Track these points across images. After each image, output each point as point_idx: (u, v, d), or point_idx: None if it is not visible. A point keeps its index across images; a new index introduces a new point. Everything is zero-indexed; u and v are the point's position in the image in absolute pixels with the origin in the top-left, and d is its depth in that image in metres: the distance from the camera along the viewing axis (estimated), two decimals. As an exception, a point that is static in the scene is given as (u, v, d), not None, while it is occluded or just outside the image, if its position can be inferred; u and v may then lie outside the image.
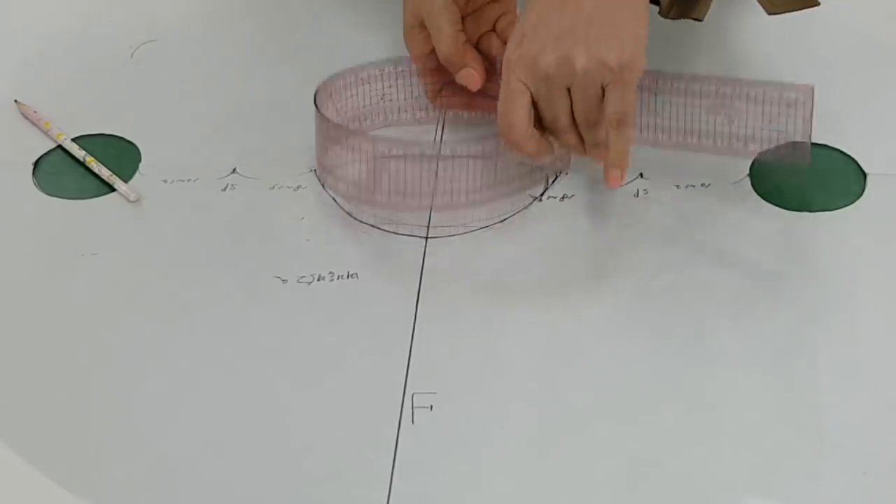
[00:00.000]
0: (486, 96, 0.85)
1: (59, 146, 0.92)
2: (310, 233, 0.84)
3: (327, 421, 0.72)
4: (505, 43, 0.79)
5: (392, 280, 0.80)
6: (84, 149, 0.91)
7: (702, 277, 0.79)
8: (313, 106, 0.87)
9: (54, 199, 0.88)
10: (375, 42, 0.98)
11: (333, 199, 0.86)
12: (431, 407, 0.73)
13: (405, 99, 0.90)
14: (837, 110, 0.90)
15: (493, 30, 0.85)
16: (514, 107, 0.76)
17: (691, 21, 0.85)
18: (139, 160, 0.91)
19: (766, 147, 0.79)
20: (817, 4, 0.89)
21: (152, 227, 0.85)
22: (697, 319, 0.76)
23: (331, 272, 0.81)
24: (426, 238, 0.83)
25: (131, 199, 0.86)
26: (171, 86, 0.97)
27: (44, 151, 0.92)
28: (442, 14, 0.82)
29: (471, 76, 0.83)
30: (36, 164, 0.91)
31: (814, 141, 0.87)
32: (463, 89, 0.85)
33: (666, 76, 0.80)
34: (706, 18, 0.84)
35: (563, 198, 0.85)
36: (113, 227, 0.86)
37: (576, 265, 0.80)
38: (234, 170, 0.89)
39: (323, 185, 0.87)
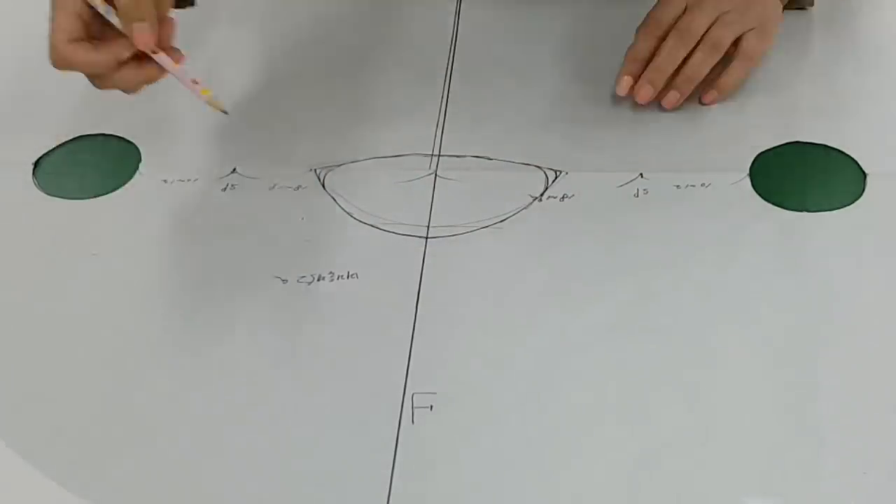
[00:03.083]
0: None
1: (59, 146, 0.92)
2: (310, 233, 0.84)
3: (327, 421, 0.72)
4: None
5: (392, 280, 0.80)
6: (84, 149, 0.91)
7: (702, 277, 0.79)
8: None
9: (54, 199, 0.88)
10: (375, 41, 0.99)
11: (333, 199, 0.86)
12: (431, 407, 0.73)
13: None
14: (837, 110, 0.90)
15: None
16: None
17: None
18: (139, 160, 0.91)
19: None
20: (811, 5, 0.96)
21: (152, 227, 0.85)
22: (697, 319, 0.76)
23: (331, 272, 0.81)
24: (426, 238, 0.83)
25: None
26: (171, 86, 0.96)
27: (44, 151, 0.92)
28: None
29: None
30: (36, 164, 0.91)
31: (814, 141, 0.88)
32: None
33: None
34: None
35: (563, 198, 0.85)
36: (113, 227, 0.86)
37: (576, 265, 0.80)
38: (234, 170, 0.89)
39: (323, 185, 0.87)
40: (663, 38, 0.90)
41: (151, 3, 0.76)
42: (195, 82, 0.78)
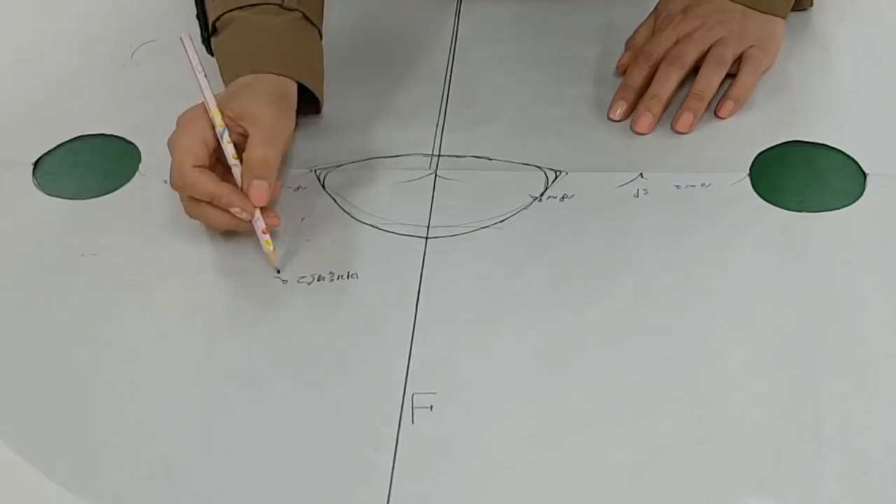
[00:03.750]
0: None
1: (59, 146, 0.92)
2: (310, 233, 0.84)
3: (327, 421, 0.72)
4: None
5: (392, 280, 0.80)
6: (84, 149, 0.91)
7: (702, 277, 0.79)
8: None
9: (54, 199, 0.88)
10: (375, 40, 0.99)
11: (333, 199, 0.86)
12: (431, 407, 0.73)
13: None
14: (837, 110, 0.90)
15: None
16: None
17: None
18: (139, 160, 0.91)
19: None
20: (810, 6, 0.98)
21: (152, 227, 0.85)
22: (697, 319, 0.76)
23: (331, 272, 0.81)
24: (426, 238, 0.83)
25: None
26: (171, 86, 0.97)
27: (44, 151, 0.92)
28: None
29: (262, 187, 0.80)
30: (36, 164, 0.91)
31: (814, 141, 0.88)
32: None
33: None
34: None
35: (563, 198, 0.85)
36: (113, 227, 0.86)
37: (576, 265, 0.80)
38: (234, 170, 0.89)
39: (323, 186, 0.87)
40: (655, 68, 0.91)
41: (277, 167, 0.80)
42: (265, 233, 0.80)
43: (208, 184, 0.79)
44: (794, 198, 0.84)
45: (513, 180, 0.86)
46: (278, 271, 0.81)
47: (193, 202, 0.81)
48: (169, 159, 0.80)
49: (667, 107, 0.90)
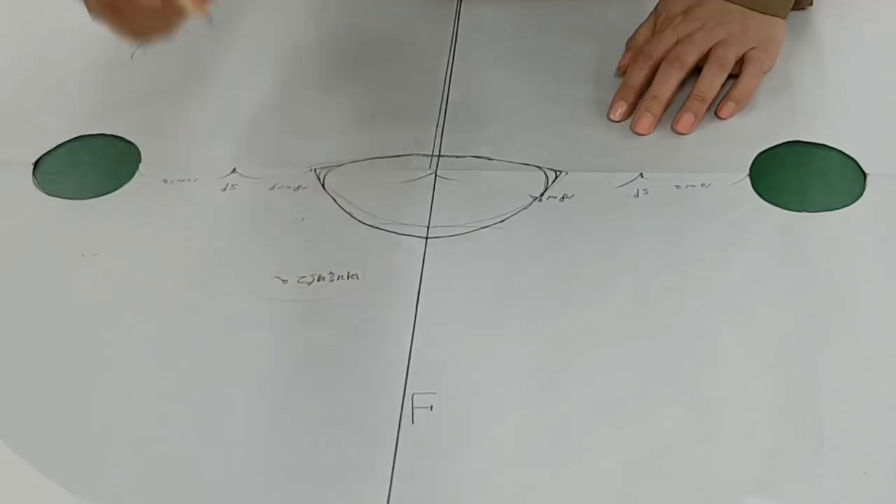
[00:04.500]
0: None
1: (59, 146, 0.92)
2: (310, 233, 0.84)
3: (327, 421, 0.72)
4: None
5: (392, 280, 0.80)
6: (84, 149, 0.91)
7: (702, 277, 0.79)
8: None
9: (54, 199, 0.88)
10: (375, 41, 0.99)
11: (333, 199, 0.86)
12: (431, 407, 0.73)
13: None
14: (837, 110, 0.90)
15: None
16: None
17: None
18: (139, 160, 0.91)
19: None
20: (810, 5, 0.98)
21: (152, 227, 0.85)
22: (697, 319, 0.76)
23: (331, 272, 0.81)
24: (426, 238, 0.83)
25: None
26: (171, 86, 0.97)
27: (44, 151, 0.92)
28: None
29: None
30: (36, 164, 0.91)
31: (814, 141, 0.88)
32: None
33: None
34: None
35: (563, 198, 0.85)
36: (113, 227, 0.86)
37: (576, 265, 0.80)
38: (234, 170, 0.89)
39: (323, 186, 0.87)
40: (655, 69, 0.91)
41: None
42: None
43: None
44: (794, 198, 0.84)
45: (513, 180, 0.86)
46: (210, 22, 0.76)
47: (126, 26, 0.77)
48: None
49: (667, 107, 0.90)
